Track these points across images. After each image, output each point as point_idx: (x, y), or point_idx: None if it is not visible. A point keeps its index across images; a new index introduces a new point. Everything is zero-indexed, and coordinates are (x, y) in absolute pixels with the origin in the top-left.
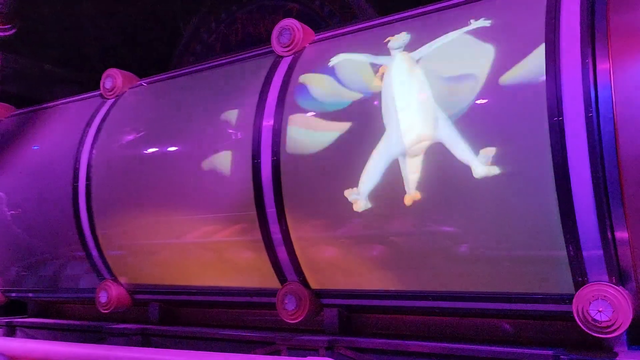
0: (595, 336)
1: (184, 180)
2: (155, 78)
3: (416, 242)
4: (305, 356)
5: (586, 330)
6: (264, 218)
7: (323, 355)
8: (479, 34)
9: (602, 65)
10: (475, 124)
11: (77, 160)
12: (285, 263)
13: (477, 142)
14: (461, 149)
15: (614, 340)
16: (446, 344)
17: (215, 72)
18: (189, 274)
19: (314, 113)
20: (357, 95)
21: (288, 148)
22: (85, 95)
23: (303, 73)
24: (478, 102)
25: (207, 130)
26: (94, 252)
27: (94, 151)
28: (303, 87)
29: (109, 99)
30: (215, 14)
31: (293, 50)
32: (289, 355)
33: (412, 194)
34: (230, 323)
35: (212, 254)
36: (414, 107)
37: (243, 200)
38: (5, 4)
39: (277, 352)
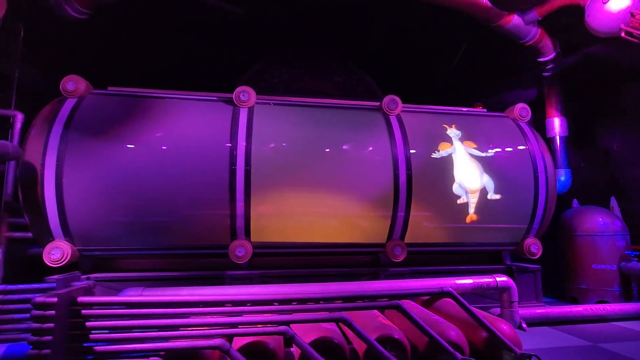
0: (531, 258)
1: (335, 174)
2: (279, 100)
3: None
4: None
5: (527, 256)
6: (397, 204)
7: (407, 278)
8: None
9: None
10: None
11: (233, 149)
12: (398, 229)
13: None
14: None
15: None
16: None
17: (339, 111)
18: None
19: (423, 147)
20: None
21: (414, 166)
22: (211, 97)
23: (409, 126)
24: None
25: (353, 147)
26: (239, 219)
27: (251, 143)
28: (414, 137)
29: (241, 107)
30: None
31: (396, 113)
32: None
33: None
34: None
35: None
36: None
37: (383, 193)
38: None
39: (377, 277)
